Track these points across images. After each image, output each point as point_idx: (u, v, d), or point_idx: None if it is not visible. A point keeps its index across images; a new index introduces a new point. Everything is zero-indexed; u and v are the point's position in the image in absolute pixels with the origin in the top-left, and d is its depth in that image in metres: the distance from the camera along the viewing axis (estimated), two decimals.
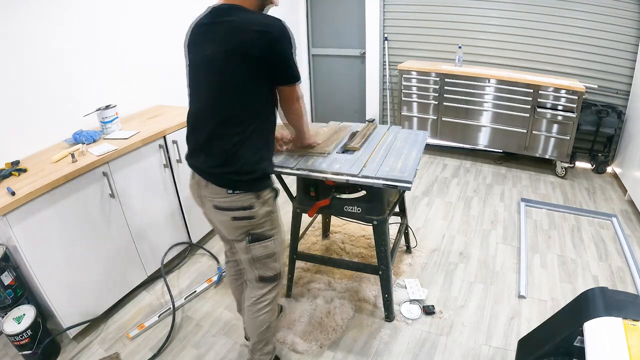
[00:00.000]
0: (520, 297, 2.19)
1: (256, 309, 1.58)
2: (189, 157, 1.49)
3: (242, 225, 1.44)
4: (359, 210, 1.88)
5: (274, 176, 1.60)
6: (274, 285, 1.59)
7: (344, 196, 1.88)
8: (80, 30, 2.27)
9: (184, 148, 2.39)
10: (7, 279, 1.81)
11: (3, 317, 1.82)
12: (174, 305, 2.12)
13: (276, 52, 1.29)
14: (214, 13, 1.35)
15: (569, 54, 3.60)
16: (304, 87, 4.87)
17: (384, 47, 4.29)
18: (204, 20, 1.37)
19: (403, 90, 3.92)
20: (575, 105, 3.27)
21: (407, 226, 2.47)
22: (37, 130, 2.12)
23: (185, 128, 1.48)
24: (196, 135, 1.43)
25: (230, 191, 1.38)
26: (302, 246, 2.57)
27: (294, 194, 2.04)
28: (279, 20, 1.30)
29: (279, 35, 1.29)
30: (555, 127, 3.43)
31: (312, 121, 5.08)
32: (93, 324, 2.09)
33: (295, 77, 1.37)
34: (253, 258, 1.51)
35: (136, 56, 2.67)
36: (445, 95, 3.74)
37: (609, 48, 3.45)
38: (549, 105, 3.38)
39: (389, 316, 2.06)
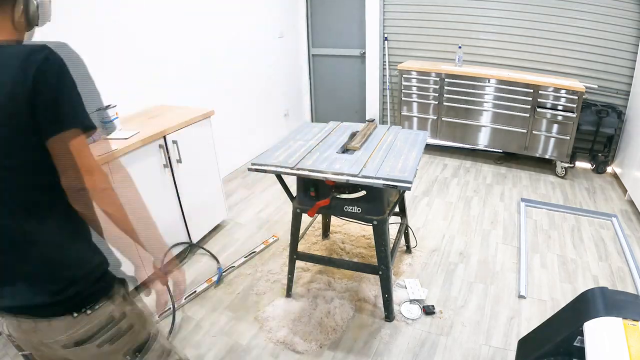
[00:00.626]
0: (520, 297, 2.19)
1: None
2: None
3: (115, 350, 0.98)
4: (359, 210, 1.88)
5: None
6: None
7: (344, 196, 1.88)
8: (79, 30, 2.27)
9: (184, 148, 2.41)
10: None
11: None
12: (173, 305, 2.12)
13: (43, 83, 0.83)
14: None
15: (569, 54, 3.60)
16: (304, 87, 4.87)
17: (384, 47, 4.29)
18: None
19: (403, 90, 3.92)
20: (575, 105, 3.27)
21: (407, 226, 2.47)
22: None
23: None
24: None
25: (76, 314, 0.91)
26: (302, 246, 2.57)
27: (294, 194, 2.04)
28: (46, 46, 0.85)
29: (47, 60, 0.84)
30: (555, 127, 3.43)
31: (312, 121, 5.07)
32: None
33: (71, 118, 0.87)
34: None
35: (136, 56, 2.67)
36: (445, 95, 3.74)
37: (609, 48, 3.45)
38: (549, 105, 3.38)
39: (389, 316, 2.05)
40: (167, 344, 1.13)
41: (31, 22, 0.92)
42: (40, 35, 0.94)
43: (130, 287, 1.06)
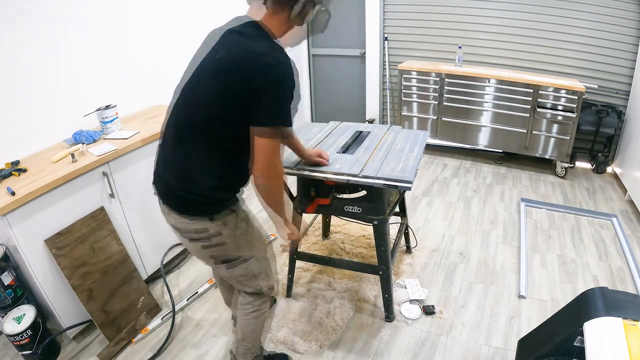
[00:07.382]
0: (520, 297, 2.19)
1: (244, 313, 1.60)
2: None
3: (201, 247, 1.38)
4: (359, 210, 1.88)
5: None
6: (260, 298, 1.58)
7: (345, 196, 1.88)
8: (80, 30, 2.27)
9: None
10: (7, 279, 1.81)
11: (3, 317, 1.82)
12: (173, 306, 2.12)
13: None
14: None
15: (569, 54, 3.60)
16: (304, 87, 4.86)
17: (384, 47, 4.29)
18: None
19: (403, 90, 3.92)
20: (575, 105, 3.27)
21: (407, 226, 2.47)
22: (37, 130, 2.12)
23: None
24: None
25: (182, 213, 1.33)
26: (302, 246, 2.57)
27: (295, 193, 2.04)
28: None
29: None
30: (555, 127, 3.43)
31: (312, 121, 5.07)
32: (93, 324, 2.08)
33: None
34: (231, 277, 1.50)
35: (136, 56, 2.67)
36: (445, 95, 3.74)
37: (609, 48, 3.44)
38: (549, 105, 3.38)
39: (389, 316, 2.06)
40: (258, 269, 1.49)
41: (306, 22, 1.23)
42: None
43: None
